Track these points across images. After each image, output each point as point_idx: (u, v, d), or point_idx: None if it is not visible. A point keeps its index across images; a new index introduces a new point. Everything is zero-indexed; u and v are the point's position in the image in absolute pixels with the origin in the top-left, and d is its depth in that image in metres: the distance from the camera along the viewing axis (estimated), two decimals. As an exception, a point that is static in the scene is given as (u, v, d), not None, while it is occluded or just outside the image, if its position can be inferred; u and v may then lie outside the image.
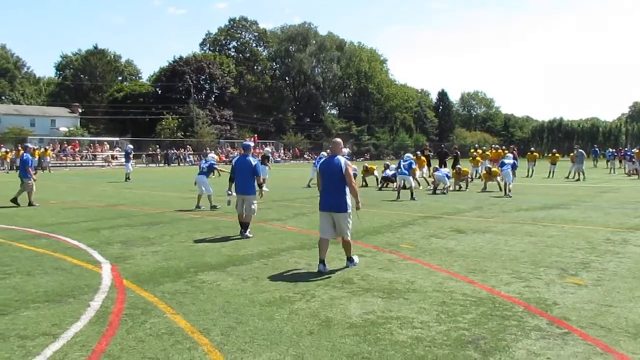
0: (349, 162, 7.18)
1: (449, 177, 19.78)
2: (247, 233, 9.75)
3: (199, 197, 14.29)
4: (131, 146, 32.55)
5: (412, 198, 16.54)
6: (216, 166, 15.40)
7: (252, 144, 10.93)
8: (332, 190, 7.08)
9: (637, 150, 30.94)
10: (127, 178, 27.19)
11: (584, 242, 9.15)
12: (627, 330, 4.75)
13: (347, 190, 7.07)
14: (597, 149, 48.08)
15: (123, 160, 38.18)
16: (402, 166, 17.46)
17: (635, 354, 4.22)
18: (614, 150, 42.43)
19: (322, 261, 7.03)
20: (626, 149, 42.73)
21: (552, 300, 5.66)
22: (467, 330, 4.75)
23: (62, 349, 4.33)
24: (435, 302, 5.60)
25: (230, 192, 9.90)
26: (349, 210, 7.09)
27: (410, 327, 4.84)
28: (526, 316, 5.13)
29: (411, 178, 17.40)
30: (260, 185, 10.11)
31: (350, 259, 7.34)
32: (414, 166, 18.16)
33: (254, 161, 9.86)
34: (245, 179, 9.86)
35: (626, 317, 5.09)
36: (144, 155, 56.50)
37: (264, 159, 21.80)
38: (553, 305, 5.49)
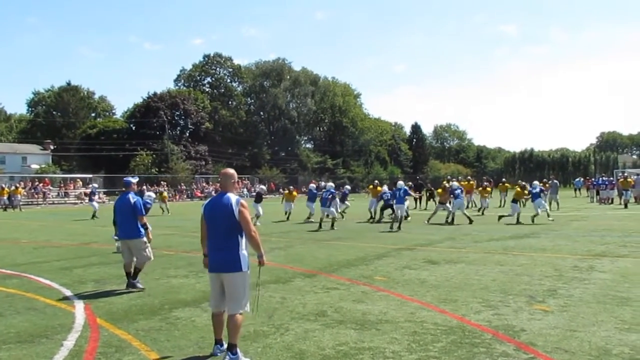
0: (242, 201, 5.08)
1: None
2: (137, 282, 8.38)
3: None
4: (96, 185, 32.59)
5: (399, 228, 16.81)
6: (149, 206, 13.43)
7: (133, 180, 9.00)
8: (220, 242, 5.03)
9: (623, 179, 30.87)
10: (95, 216, 26.96)
11: (552, 269, 9.41)
12: (590, 353, 4.93)
13: (243, 241, 5.09)
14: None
15: (96, 197, 37.64)
16: (397, 195, 17.83)
17: (597, 376, 4.39)
18: (594, 179, 42.54)
19: (217, 342, 5.16)
20: (602, 178, 42.37)
21: (519, 326, 5.83)
22: (437, 358, 4.87)
23: (35, 389, 4.32)
24: (406, 332, 5.72)
25: (116, 238, 8.85)
26: (245, 269, 5.03)
27: (382, 357, 4.94)
28: (494, 343, 5.28)
29: (405, 206, 17.76)
30: (144, 226, 8.49)
31: (232, 350, 4.80)
32: (409, 192, 18.76)
33: (133, 199, 8.49)
34: (126, 221, 8.48)
35: (589, 341, 5.28)
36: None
37: (258, 197, 21.60)
38: (520, 331, 5.65)
